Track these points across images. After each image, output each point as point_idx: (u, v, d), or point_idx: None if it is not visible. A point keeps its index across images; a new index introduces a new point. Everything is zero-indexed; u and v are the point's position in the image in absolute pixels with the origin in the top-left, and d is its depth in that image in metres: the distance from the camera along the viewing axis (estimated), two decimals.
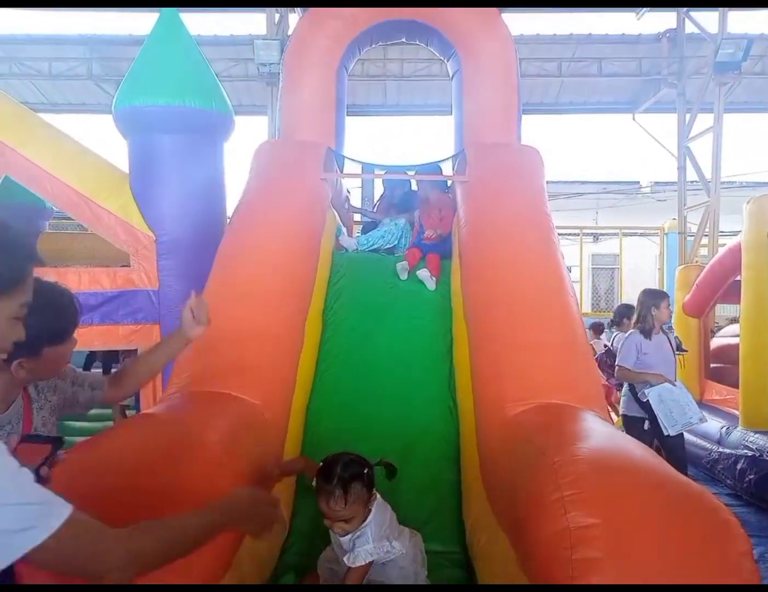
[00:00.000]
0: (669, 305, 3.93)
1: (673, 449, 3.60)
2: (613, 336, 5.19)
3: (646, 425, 3.70)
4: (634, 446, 1.68)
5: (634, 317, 3.92)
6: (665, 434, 3.50)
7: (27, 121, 3.15)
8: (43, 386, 1.54)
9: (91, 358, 5.50)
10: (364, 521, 1.80)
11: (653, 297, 3.88)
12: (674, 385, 3.60)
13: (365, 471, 1.78)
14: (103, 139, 3.28)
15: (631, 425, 3.83)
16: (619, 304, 5.65)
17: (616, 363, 3.84)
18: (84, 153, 3.22)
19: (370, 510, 1.81)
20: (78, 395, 1.65)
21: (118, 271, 3.06)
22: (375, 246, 3.48)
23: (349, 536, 1.79)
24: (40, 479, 1.13)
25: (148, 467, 1.47)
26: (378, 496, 1.85)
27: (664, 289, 9.35)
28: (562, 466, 1.48)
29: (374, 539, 1.78)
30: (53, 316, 1.42)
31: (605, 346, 5.24)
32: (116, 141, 3.34)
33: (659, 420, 3.51)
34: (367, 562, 1.77)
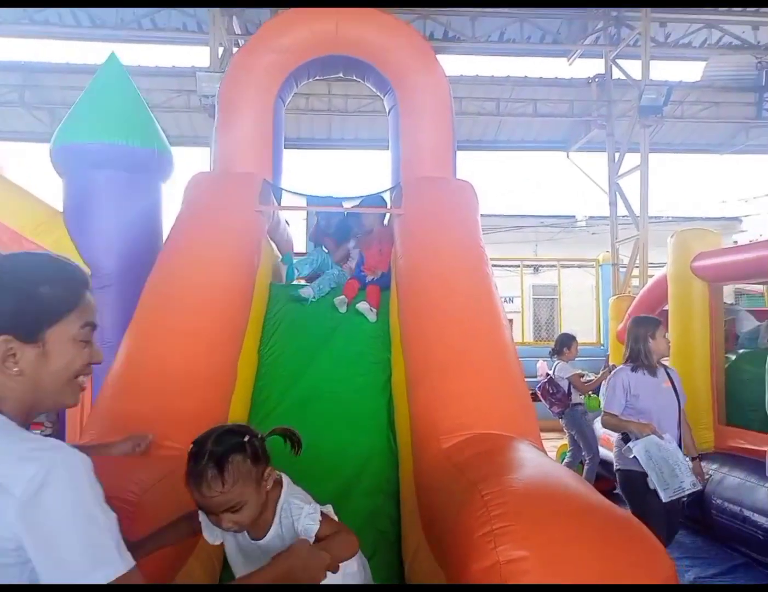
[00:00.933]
0: (665, 333, 3.23)
1: (658, 515, 2.84)
2: (554, 364, 5.30)
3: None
4: (566, 474, 1.69)
5: (626, 352, 3.23)
6: (661, 498, 2.83)
7: None
8: None
9: None
10: (268, 508, 1.43)
11: (646, 325, 3.17)
12: (662, 437, 2.90)
13: (246, 440, 1.39)
14: (34, 167, 3.26)
15: (628, 483, 3.06)
16: (560, 333, 5.79)
17: (602, 407, 3.21)
18: (11, 188, 3.19)
19: (273, 492, 1.45)
20: None
21: None
22: (327, 291, 3.41)
23: (270, 534, 1.43)
24: None
25: None
26: (284, 477, 1.52)
27: (600, 319, 9.70)
28: (492, 498, 1.46)
29: (306, 502, 1.46)
30: None
31: (547, 374, 5.35)
32: (47, 173, 3.35)
33: (651, 481, 2.85)
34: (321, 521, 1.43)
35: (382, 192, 3.72)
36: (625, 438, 3.06)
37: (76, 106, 3.20)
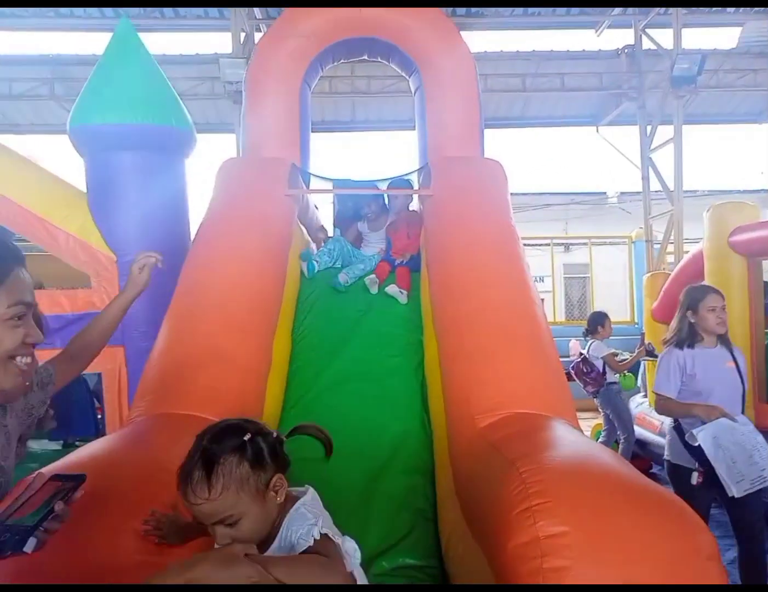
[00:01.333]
0: (716, 305, 2.71)
1: (743, 517, 2.53)
2: (589, 344, 5.25)
3: (696, 479, 2.58)
4: (604, 453, 1.68)
5: (676, 325, 2.81)
6: (729, 494, 2.38)
7: None
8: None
9: None
10: (269, 524, 1.17)
11: (691, 296, 2.78)
12: (735, 420, 2.47)
13: (246, 438, 1.15)
14: (67, 159, 3.19)
15: (676, 476, 2.74)
16: (592, 312, 5.72)
17: (654, 390, 2.84)
18: (38, 173, 3.14)
19: (281, 506, 1.19)
20: (31, 403, 1.43)
21: (78, 293, 2.98)
22: (359, 276, 3.40)
23: (271, 549, 1.15)
24: (55, 516, 1.06)
25: (112, 493, 1.42)
26: (311, 490, 1.28)
27: (634, 297, 9.52)
28: (530, 476, 1.47)
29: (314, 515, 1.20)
30: None
31: (580, 354, 5.30)
32: (78, 160, 3.27)
33: (719, 475, 2.40)
34: (320, 539, 1.15)
35: (410, 174, 3.71)
36: (678, 427, 2.71)
37: (89, 82, 3.04)
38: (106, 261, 2.91)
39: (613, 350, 5.30)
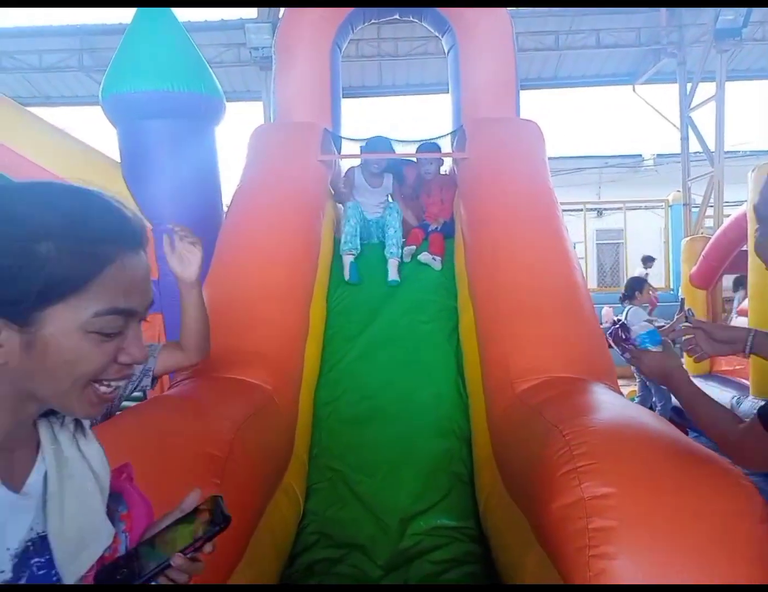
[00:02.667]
0: None
1: None
2: (626, 310, 5.16)
3: None
4: (647, 415, 1.67)
5: None
6: None
7: (12, 113, 3.09)
8: None
9: None
10: None
11: None
12: None
13: None
14: (98, 129, 3.18)
15: None
16: (629, 277, 5.58)
17: None
18: (73, 144, 3.17)
19: None
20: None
21: None
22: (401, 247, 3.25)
23: None
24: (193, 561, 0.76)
25: (160, 447, 1.46)
26: None
27: (670, 263, 9.30)
28: (574, 437, 1.47)
29: None
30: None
31: (615, 321, 5.20)
32: (108, 131, 3.29)
33: None
34: None
35: (442, 136, 3.63)
36: None
37: (119, 51, 3.04)
38: None
39: (648, 317, 5.20)
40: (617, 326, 5.45)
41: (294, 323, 2.45)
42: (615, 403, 1.74)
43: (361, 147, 3.49)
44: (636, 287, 5.14)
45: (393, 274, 3.02)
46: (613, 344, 5.60)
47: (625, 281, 5.52)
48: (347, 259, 3.07)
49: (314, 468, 2.35)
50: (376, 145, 3.39)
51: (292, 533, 2.01)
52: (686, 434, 4.89)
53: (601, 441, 1.44)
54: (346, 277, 3.02)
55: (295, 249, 2.66)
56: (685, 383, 1.43)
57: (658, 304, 6.59)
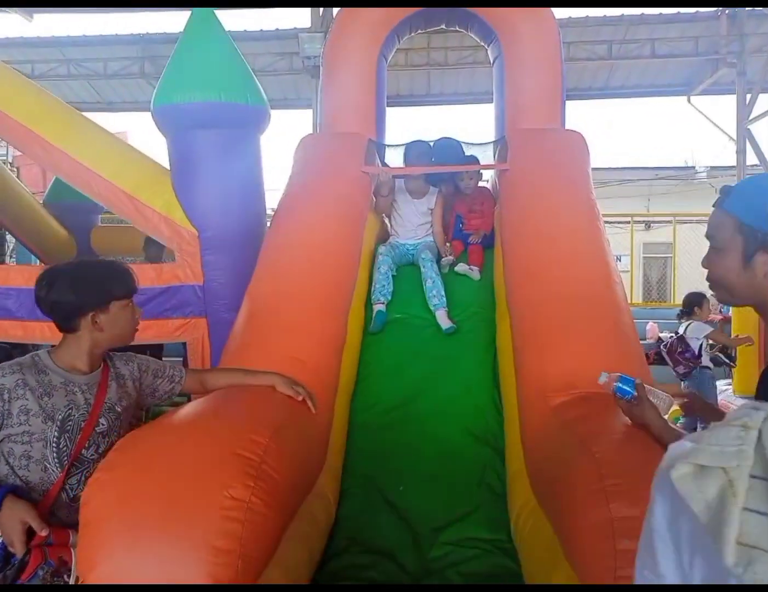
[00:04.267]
0: None
1: None
2: (686, 324, 5.01)
3: None
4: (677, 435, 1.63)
5: None
6: None
7: (72, 120, 3.23)
8: (122, 372, 1.74)
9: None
10: None
11: None
12: None
13: None
14: (155, 134, 3.28)
15: None
16: (688, 292, 5.40)
17: None
18: (127, 151, 3.30)
19: None
20: (157, 386, 1.81)
21: (164, 267, 3.14)
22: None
23: None
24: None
25: (197, 449, 1.52)
26: None
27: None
28: (604, 456, 1.46)
29: None
30: (116, 272, 1.72)
31: (675, 333, 5.07)
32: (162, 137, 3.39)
33: None
34: None
35: (483, 145, 3.62)
36: None
37: (169, 63, 3.13)
38: (189, 236, 3.02)
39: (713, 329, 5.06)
40: (675, 338, 5.22)
41: (332, 330, 2.50)
42: None
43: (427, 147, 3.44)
44: (695, 302, 4.97)
45: (444, 323, 2.86)
46: (666, 357, 5.42)
47: (683, 297, 5.34)
48: (376, 308, 2.93)
49: (348, 474, 2.38)
50: (443, 147, 3.42)
51: (324, 537, 2.04)
52: None
53: (630, 461, 1.43)
54: (371, 327, 2.87)
55: (336, 259, 2.71)
56: (663, 431, 1.49)
57: (721, 319, 6.38)
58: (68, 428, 1.59)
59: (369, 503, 2.28)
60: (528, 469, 2.07)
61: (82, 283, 1.62)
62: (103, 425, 1.65)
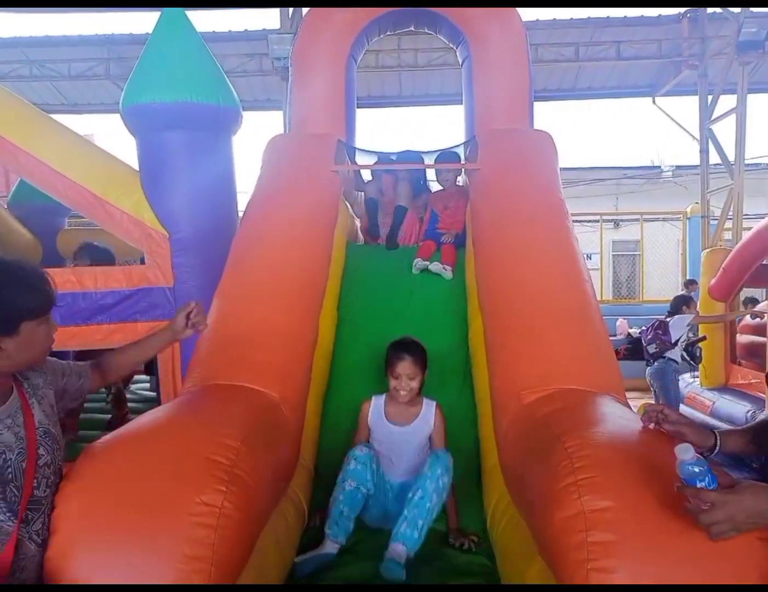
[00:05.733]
0: None
1: None
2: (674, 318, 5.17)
3: None
4: (650, 430, 1.66)
5: None
6: None
7: (36, 121, 3.16)
8: (37, 383, 1.50)
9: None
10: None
11: None
12: None
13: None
14: (122, 136, 3.22)
15: None
16: (676, 295, 5.65)
17: None
18: (94, 152, 3.24)
19: None
20: (67, 386, 1.61)
21: (134, 269, 3.09)
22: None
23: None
24: None
25: (167, 454, 1.49)
26: None
27: (687, 275, 9.22)
28: (576, 450, 1.47)
29: None
30: (28, 285, 1.38)
31: (659, 321, 5.22)
32: (131, 138, 3.33)
33: None
34: None
35: (456, 147, 3.66)
36: None
37: (139, 62, 3.09)
38: (159, 238, 2.99)
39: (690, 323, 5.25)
40: (661, 319, 5.42)
41: (303, 331, 2.48)
42: (620, 416, 1.74)
43: (378, 156, 3.50)
44: (683, 302, 5.20)
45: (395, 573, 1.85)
46: (644, 339, 5.60)
47: (671, 300, 5.46)
48: (324, 548, 1.97)
49: (320, 476, 2.37)
50: (406, 158, 3.42)
51: (296, 540, 2.03)
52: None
53: (602, 455, 1.45)
54: (298, 572, 1.90)
55: (306, 258, 2.70)
56: None
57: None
58: (9, 475, 1.34)
59: None
60: (502, 465, 2.08)
61: None
62: (43, 455, 1.41)
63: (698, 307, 5.53)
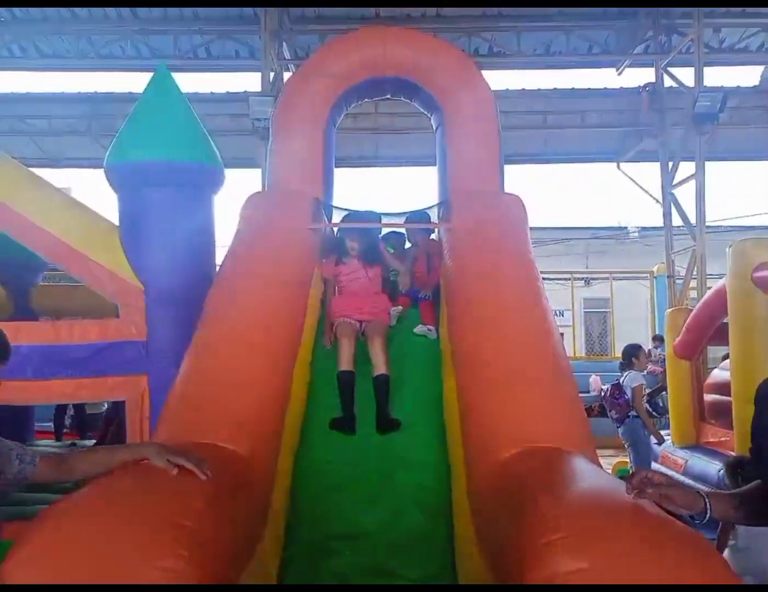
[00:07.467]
0: None
1: None
2: (625, 375, 5.25)
3: None
4: (622, 488, 1.67)
5: None
6: None
7: (16, 175, 3.18)
8: None
9: (61, 408, 5.49)
10: None
11: None
12: None
13: None
14: (100, 191, 3.25)
15: None
16: (626, 345, 5.71)
17: None
18: (73, 206, 3.26)
19: None
20: (4, 467, 1.51)
21: (108, 323, 3.06)
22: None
23: None
24: None
25: (127, 517, 1.44)
26: None
27: (656, 332, 9.44)
28: (550, 510, 1.47)
29: None
30: None
31: (617, 381, 5.30)
32: (112, 193, 3.37)
33: None
34: None
35: (429, 208, 3.77)
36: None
37: (126, 122, 3.15)
38: (135, 292, 2.98)
39: (644, 383, 5.30)
40: (613, 384, 5.56)
41: (275, 386, 2.46)
42: (592, 475, 1.75)
43: (349, 214, 3.53)
44: (632, 354, 5.29)
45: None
46: (604, 403, 5.69)
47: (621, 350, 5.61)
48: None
49: (291, 540, 2.30)
50: (363, 217, 3.41)
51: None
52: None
53: (575, 514, 1.45)
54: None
55: (280, 313, 2.70)
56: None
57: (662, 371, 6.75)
58: None
59: (314, 573, 2.19)
60: (476, 527, 2.06)
61: None
62: None
63: (664, 362, 5.62)
